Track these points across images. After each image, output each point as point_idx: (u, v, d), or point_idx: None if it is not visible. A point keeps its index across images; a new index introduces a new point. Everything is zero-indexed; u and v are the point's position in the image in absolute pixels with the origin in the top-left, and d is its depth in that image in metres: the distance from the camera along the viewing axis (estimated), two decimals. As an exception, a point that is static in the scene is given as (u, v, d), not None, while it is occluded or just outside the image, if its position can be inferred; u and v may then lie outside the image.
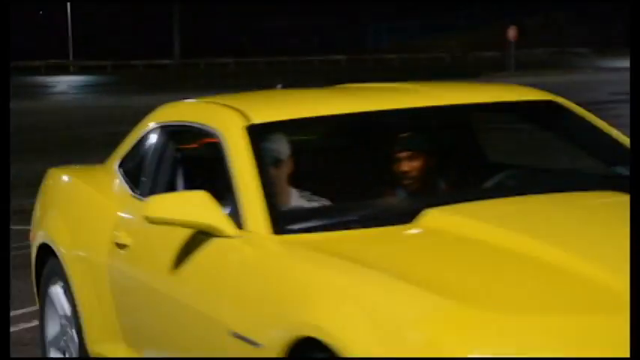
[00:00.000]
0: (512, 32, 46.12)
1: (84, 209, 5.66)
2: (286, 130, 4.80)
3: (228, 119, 4.75)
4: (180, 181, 5.28)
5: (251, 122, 4.64)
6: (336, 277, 3.69)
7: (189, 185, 5.21)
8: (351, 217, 4.30)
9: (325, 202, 4.78)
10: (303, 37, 48.22)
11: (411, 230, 4.09)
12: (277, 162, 4.76)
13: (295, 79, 32.03)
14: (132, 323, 5.14)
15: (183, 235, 4.45)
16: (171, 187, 5.21)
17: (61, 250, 5.60)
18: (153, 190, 5.10)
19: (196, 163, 5.37)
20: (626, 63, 37.87)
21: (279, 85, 5.98)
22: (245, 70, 36.95)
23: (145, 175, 5.25)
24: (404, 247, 4.03)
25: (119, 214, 5.26)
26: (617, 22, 52.19)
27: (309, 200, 4.78)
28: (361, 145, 5.43)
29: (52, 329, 5.84)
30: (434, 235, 4.01)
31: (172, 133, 5.30)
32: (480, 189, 4.82)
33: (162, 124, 5.36)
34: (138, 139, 5.52)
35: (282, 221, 4.22)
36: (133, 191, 5.29)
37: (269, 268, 4.04)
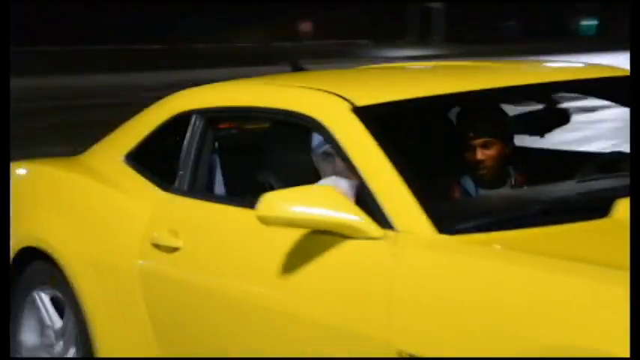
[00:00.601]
0: (303, 25, 46.94)
1: (92, 207, 4.67)
2: (390, 113, 3.85)
3: (325, 103, 3.80)
4: (218, 173, 4.53)
5: (355, 105, 3.72)
6: (600, 287, 2.80)
7: (231, 177, 4.51)
8: (528, 211, 3.38)
9: None
10: (117, 29, 46.44)
11: (618, 225, 3.21)
12: (328, 156, 3.97)
13: (122, 64, 30.79)
14: (188, 336, 4.09)
15: (290, 236, 3.52)
16: (211, 181, 4.50)
17: (61, 253, 4.60)
18: (192, 185, 4.34)
19: (233, 152, 4.56)
20: (396, 53, 39.16)
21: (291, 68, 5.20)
22: (81, 58, 35.36)
23: (183, 169, 4.36)
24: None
25: (153, 211, 4.31)
26: (395, 17, 53.12)
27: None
28: (433, 130, 4.62)
29: (30, 338, 4.98)
30: None
31: (213, 119, 4.40)
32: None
33: (200, 109, 4.38)
34: (156, 127, 4.59)
35: (447, 218, 3.32)
36: (165, 186, 4.40)
37: (462, 276, 3.07)
